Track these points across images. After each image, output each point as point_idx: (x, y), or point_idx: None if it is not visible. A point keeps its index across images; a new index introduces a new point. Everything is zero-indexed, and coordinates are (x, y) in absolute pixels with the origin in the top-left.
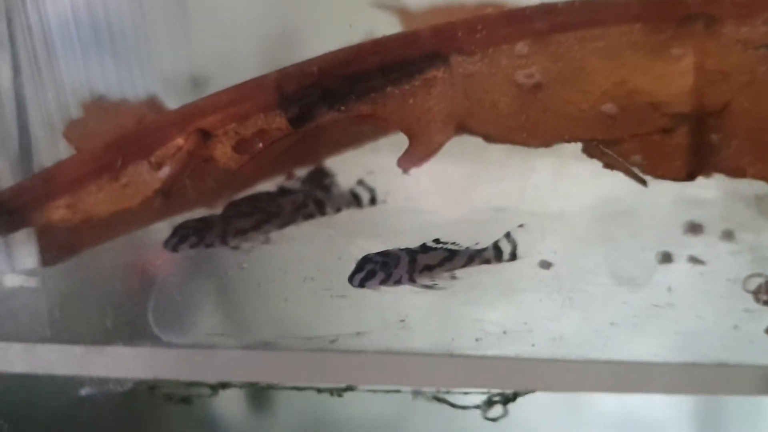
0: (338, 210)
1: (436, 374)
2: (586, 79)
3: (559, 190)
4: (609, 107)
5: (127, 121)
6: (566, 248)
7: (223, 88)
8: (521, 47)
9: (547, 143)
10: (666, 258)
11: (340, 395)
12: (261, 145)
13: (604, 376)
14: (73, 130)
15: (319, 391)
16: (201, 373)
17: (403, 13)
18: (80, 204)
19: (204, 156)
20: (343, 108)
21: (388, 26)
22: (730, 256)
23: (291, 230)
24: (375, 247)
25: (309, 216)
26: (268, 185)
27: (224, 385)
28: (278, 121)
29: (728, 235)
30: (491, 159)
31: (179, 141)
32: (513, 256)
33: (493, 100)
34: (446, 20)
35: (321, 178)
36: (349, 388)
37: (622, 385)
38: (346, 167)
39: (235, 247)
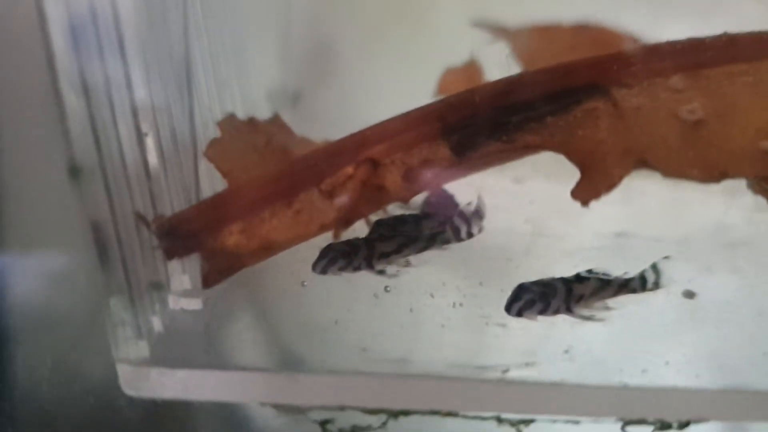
0: (470, 236)
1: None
2: (740, 115)
3: (672, 215)
4: (766, 144)
5: (258, 139)
6: (700, 277)
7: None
8: (676, 81)
9: (715, 179)
10: None
11: (519, 427)
12: (430, 175)
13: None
14: (212, 150)
15: (500, 421)
16: (377, 400)
17: (503, 32)
18: (255, 230)
19: (376, 185)
20: (504, 138)
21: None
22: None
23: (428, 254)
24: (509, 270)
25: (446, 242)
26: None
27: (405, 413)
28: (442, 151)
29: None
30: None
31: (349, 170)
32: (656, 286)
33: (663, 134)
34: (545, 39)
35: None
36: (528, 421)
37: None
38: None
39: (381, 271)
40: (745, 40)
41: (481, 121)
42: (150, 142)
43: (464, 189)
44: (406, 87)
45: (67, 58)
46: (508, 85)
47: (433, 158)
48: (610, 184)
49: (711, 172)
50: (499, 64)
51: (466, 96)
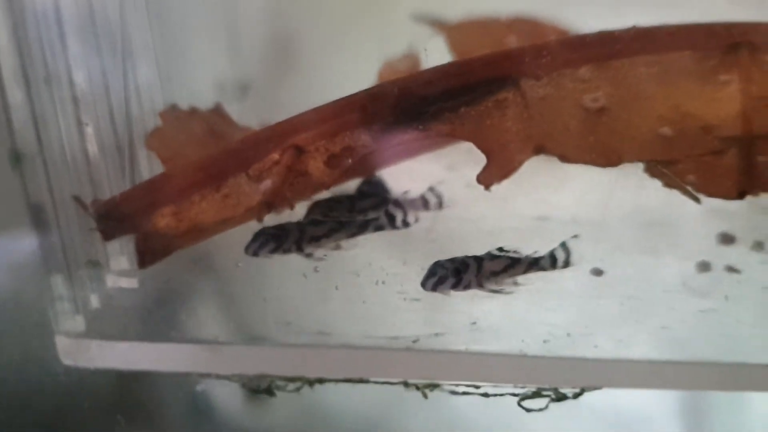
0: (406, 224)
1: (509, 373)
2: (644, 103)
3: (595, 199)
4: (665, 130)
5: (198, 128)
6: (612, 257)
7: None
8: (584, 72)
9: (613, 163)
10: (705, 267)
11: (425, 391)
12: (350, 161)
13: (663, 373)
14: (154, 139)
15: (407, 385)
16: (300, 369)
17: (441, 26)
18: (185, 212)
19: (300, 170)
20: (421, 127)
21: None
22: (762, 266)
23: (357, 238)
24: (433, 251)
25: (379, 227)
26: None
27: (321, 381)
28: (363, 139)
29: (759, 246)
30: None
31: (275, 156)
32: (566, 264)
33: (565, 122)
34: (481, 33)
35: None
36: (433, 385)
37: (677, 382)
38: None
39: (309, 254)
40: (653, 32)
41: (399, 111)
42: (90, 131)
43: (401, 176)
44: (351, 79)
45: (9, 51)
46: (426, 76)
47: (354, 145)
48: (510, 170)
49: (609, 157)
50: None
51: (386, 87)
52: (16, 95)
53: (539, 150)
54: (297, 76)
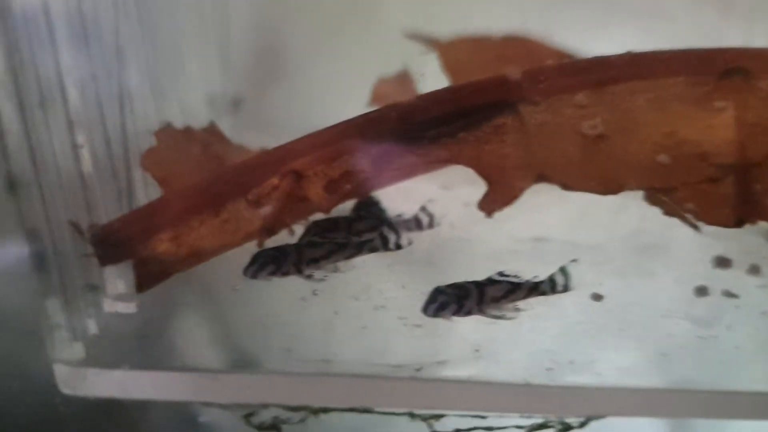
0: (399, 247)
1: (514, 402)
2: (641, 129)
3: (592, 221)
4: (663, 157)
5: (193, 148)
6: (610, 281)
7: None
8: (581, 98)
9: (613, 191)
10: (702, 292)
11: (430, 422)
12: (349, 186)
13: (665, 402)
14: (148, 159)
15: (412, 416)
16: (304, 398)
17: (434, 43)
18: (184, 237)
19: (299, 196)
20: (419, 152)
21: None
22: (759, 290)
23: (355, 259)
24: (431, 275)
25: (373, 249)
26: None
27: (325, 410)
28: (362, 163)
29: (755, 270)
30: None
31: (274, 181)
32: (565, 288)
33: (564, 149)
34: (474, 51)
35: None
36: (439, 415)
37: (679, 411)
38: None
39: (309, 276)
40: (648, 58)
41: (398, 136)
42: (85, 153)
43: (394, 195)
44: (344, 95)
45: (4, 76)
46: (424, 101)
47: (352, 170)
48: (511, 197)
49: (609, 185)
50: (432, 74)
51: (384, 111)
52: (11, 121)
53: (540, 178)
54: (288, 90)
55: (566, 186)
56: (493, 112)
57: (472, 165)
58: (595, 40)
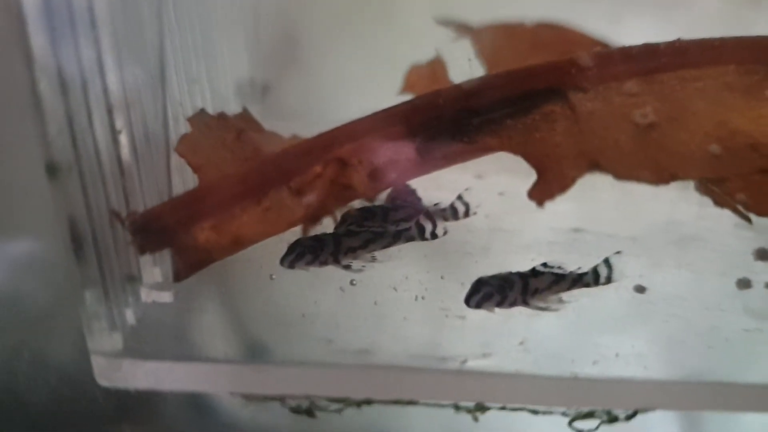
0: (435, 236)
1: (561, 395)
2: (691, 119)
3: (625, 211)
4: (714, 147)
5: (227, 134)
6: (651, 273)
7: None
8: (631, 86)
9: (665, 181)
10: (744, 284)
11: (475, 414)
12: (394, 174)
13: (714, 395)
14: (183, 145)
15: (457, 408)
16: (346, 389)
17: (466, 30)
18: (226, 226)
19: (343, 184)
20: (466, 139)
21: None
22: None
23: (392, 249)
24: (470, 265)
25: (410, 238)
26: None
27: (368, 402)
28: (406, 151)
29: None
30: None
31: (317, 169)
32: (608, 280)
33: (615, 138)
34: (509, 37)
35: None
36: (484, 408)
37: (728, 404)
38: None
39: (347, 266)
40: (696, 46)
41: (444, 123)
42: (124, 138)
43: (428, 184)
44: (372, 81)
45: (45, 59)
46: (470, 88)
47: (397, 158)
48: (564, 186)
49: (661, 175)
50: (463, 62)
51: (430, 98)
52: (53, 104)
53: (594, 166)
54: (313, 77)
55: (618, 175)
56: (541, 100)
57: (520, 153)
58: (614, 28)
